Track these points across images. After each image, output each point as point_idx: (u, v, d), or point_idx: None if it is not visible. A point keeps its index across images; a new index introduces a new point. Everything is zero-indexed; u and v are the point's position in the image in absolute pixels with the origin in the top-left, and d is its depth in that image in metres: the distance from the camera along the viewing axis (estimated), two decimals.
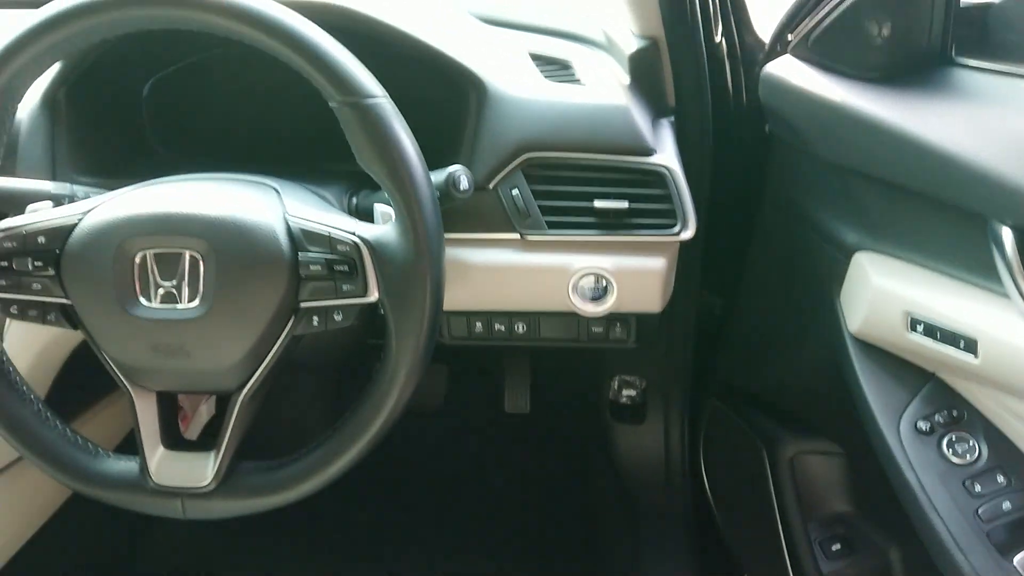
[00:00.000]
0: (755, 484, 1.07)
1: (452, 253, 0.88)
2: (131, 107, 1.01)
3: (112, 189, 0.84)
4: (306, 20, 0.68)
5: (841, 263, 0.86)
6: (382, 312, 0.72)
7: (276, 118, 1.03)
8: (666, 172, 0.87)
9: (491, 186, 0.87)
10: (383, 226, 0.72)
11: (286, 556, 1.38)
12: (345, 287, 0.71)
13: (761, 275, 1.07)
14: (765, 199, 1.02)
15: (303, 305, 0.72)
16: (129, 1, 0.66)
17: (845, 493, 0.98)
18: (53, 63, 0.70)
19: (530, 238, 0.88)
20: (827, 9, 0.80)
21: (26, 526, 1.06)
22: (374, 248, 0.70)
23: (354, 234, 0.71)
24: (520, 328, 0.99)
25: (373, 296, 0.71)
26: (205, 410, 1.13)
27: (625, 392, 1.34)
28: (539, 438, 1.54)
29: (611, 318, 0.97)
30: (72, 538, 1.16)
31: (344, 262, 0.70)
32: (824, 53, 0.83)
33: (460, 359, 1.49)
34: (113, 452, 0.78)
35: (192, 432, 1.08)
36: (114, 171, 0.95)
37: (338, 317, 0.72)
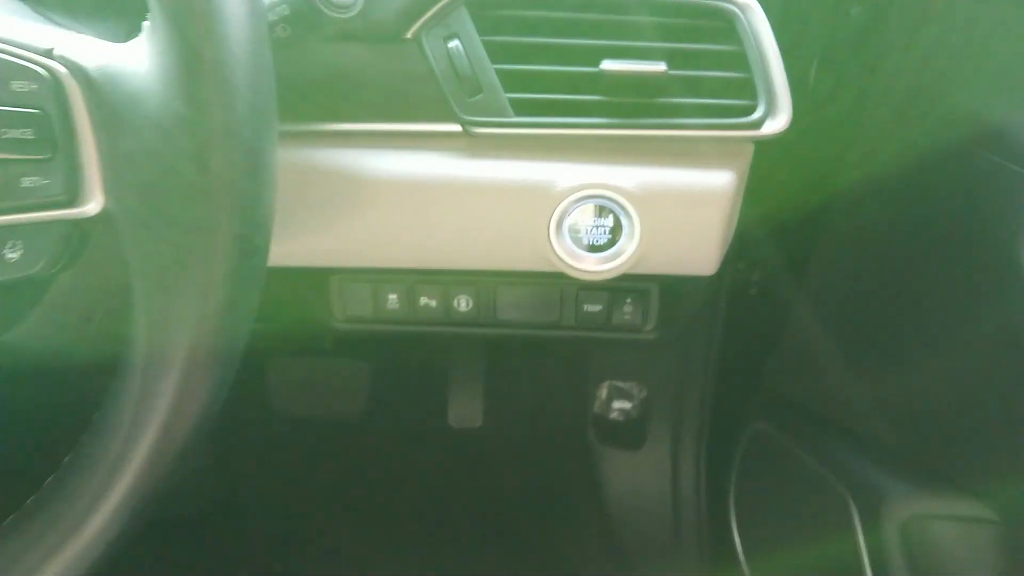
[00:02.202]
0: (835, 551, 0.68)
1: (335, 160, 0.48)
2: None
3: None
4: None
5: None
6: (121, 239, 0.31)
7: None
8: (737, 13, 0.46)
9: (409, 34, 0.46)
10: (116, 46, 0.31)
11: None
12: (27, 179, 0.30)
13: (856, 229, 0.67)
14: (874, 87, 0.62)
15: None
16: None
17: None
18: None
19: (481, 131, 0.47)
20: None
21: None
22: (96, 87, 0.29)
23: (52, 54, 0.29)
24: (463, 304, 0.59)
25: (93, 203, 0.30)
26: None
27: (617, 404, 0.95)
28: (495, 463, 1.12)
29: (618, 288, 0.57)
30: None
31: (27, 119, 0.29)
32: None
33: (386, 350, 1.08)
34: None
35: None
36: None
37: (14, 255, 0.31)
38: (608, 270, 0.48)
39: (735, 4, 0.46)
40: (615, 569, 0.94)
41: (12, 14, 0.34)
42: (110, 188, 0.29)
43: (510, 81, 0.47)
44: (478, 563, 1.07)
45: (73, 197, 0.29)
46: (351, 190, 0.48)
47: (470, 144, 0.48)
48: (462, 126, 0.47)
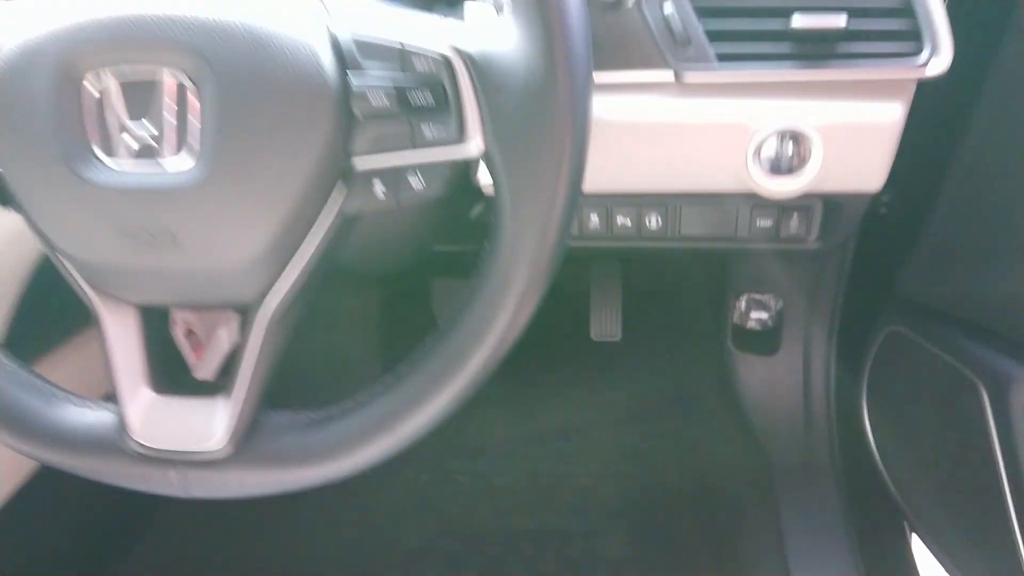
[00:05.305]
0: (964, 434, 0.79)
1: None
2: None
3: None
4: None
5: None
6: (489, 171, 0.44)
7: None
8: None
9: (630, 3, 0.58)
10: (488, 28, 0.43)
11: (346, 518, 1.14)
12: (428, 130, 0.43)
13: (988, 152, 0.76)
14: (998, 62, 0.70)
15: (359, 163, 0.44)
16: None
17: None
18: None
19: (690, 78, 0.58)
20: None
21: None
22: (477, 64, 0.42)
23: (442, 42, 0.42)
24: (653, 222, 0.71)
25: (474, 144, 0.43)
26: (226, 336, 0.86)
27: (755, 315, 1.06)
28: (637, 372, 1.26)
29: (786, 205, 0.68)
30: (44, 520, 0.92)
31: (427, 88, 0.42)
32: None
33: None
34: (83, 397, 0.52)
35: (206, 369, 0.82)
36: None
37: (417, 184, 0.44)
38: (794, 189, 0.60)
39: None
40: (751, 454, 1.08)
41: (385, 5, 0.47)
42: (487, 134, 0.42)
43: (714, 36, 0.58)
44: (619, 460, 1.21)
45: (460, 140, 0.43)
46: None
47: (679, 89, 0.59)
48: (675, 73, 0.58)
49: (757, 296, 1.05)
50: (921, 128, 0.71)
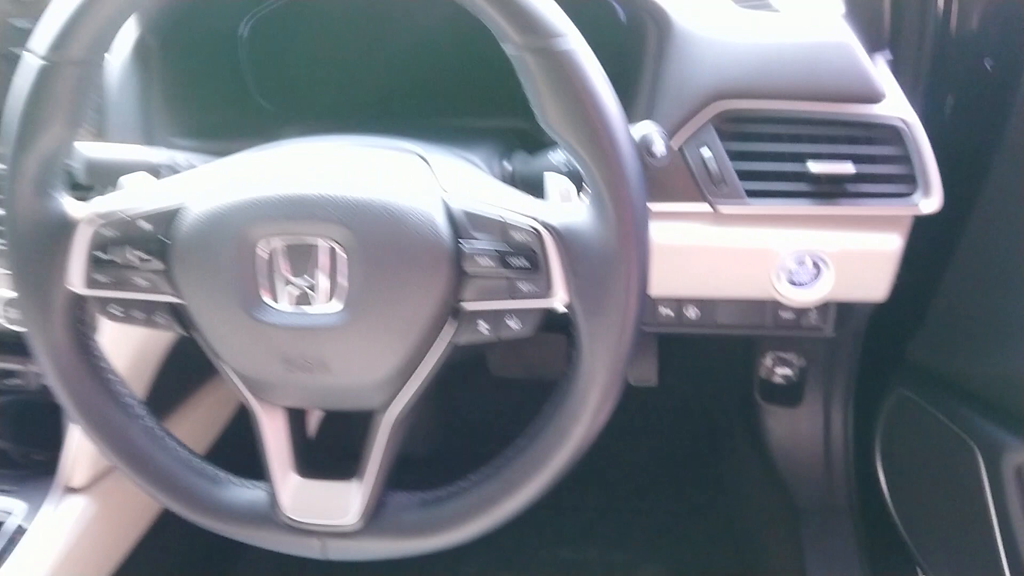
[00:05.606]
0: (964, 492, 0.90)
1: None
2: (229, 53, 0.86)
3: (214, 153, 0.70)
4: None
5: None
6: (570, 316, 0.56)
7: (401, 65, 0.86)
8: (903, 126, 0.68)
9: (675, 145, 0.70)
10: (570, 207, 0.56)
11: None
12: (523, 286, 0.55)
13: (988, 245, 0.87)
14: (999, 152, 0.82)
15: (467, 308, 0.57)
16: None
17: None
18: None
19: (724, 210, 0.71)
20: None
21: (120, 542, 0.96)
22: (562, 237, 0.54)
23: (535, 219, 0.55)
24: (691, 313, 0.83)
25: (559, 298, 0.55)
26: None
27: (779, 371, 1.17)
28: (672, 416, 1.38)
29: None
30: (167, 554, 1.06)
31: (522, 254, 0.55)
32: None
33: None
34: (240, 478, 0.66)
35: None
36: (214, 131, 0.81)
37: (514, 324, 0.57)
38: (813, 300, 0.72)
39: (903, 121, 0.68)
40: (775, 497, 1.19)
41: (488, 184, 0.60)
42: (570, 290, 0.55)
43: (744, 176, 0.70)
44: (655, 496, 1.33)
45: (548, 294, 0.55)
46: None
47: (715, 219, 0.71)
48: (711, 206, 0.71)
49: (782, 354, 1.16)
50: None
